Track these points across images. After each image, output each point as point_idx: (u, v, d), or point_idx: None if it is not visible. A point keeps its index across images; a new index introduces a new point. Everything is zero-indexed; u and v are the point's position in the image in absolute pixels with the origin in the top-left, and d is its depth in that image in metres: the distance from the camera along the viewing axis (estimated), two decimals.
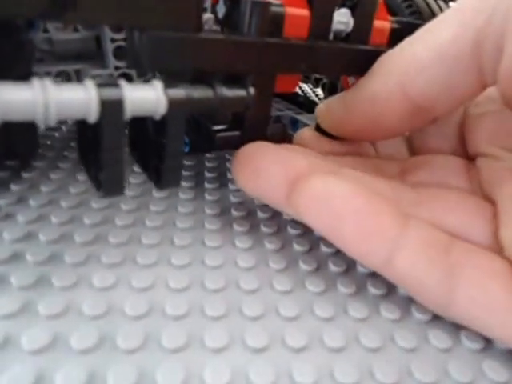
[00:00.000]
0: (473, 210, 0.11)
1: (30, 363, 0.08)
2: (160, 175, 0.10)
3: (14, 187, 0.14)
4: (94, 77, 0.12)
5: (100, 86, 0.08)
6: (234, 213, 0.14)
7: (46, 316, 0.09)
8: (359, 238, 0.10)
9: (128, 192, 0.14)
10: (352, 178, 0.12)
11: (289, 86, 0.12)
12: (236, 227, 0.13)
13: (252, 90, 0.10)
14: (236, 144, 0.12)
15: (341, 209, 0.10)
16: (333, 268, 0.12)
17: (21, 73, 0.09)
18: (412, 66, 0.11)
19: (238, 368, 0.09)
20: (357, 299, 0.11)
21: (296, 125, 0.17)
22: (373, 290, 0.11)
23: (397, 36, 0.12)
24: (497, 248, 0.10)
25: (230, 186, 0.15)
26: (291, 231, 0.13)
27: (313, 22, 0.11)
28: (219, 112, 0.10)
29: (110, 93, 0.08)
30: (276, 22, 0.11)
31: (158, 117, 0.09)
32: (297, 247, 0.12)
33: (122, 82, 0.09)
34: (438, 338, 0.10)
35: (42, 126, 0.08)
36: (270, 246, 0.12)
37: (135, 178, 0.15)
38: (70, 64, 0.13)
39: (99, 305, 0.10)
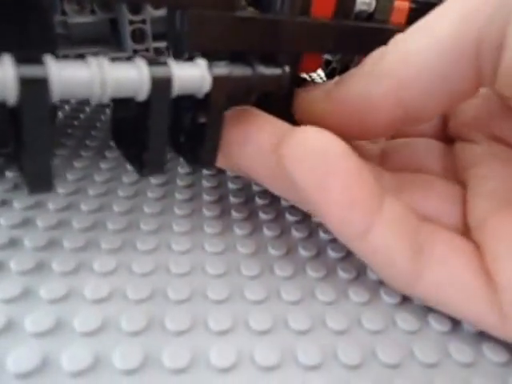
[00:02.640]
0: (447, 195, 0.12)
1: (35, 345, 0.08)
2: (198, 155, 0.10)
3: (8, 174, 0.14)
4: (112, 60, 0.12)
5: (150, 63, 0.08)
6: (233, 199, 0.14)
7: (48, 300, 0.09)
8: (344, 202, 0.10)
9: (124, 179, 0.14)
10: None
11: (312, 65, 0.13)
12: (235, 214, 0.13)
13: (287, 69, 0.10)
14: None
15: (334, 166, 0.10)
16: (332, 254, 0.12)
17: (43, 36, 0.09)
18: (409, 69, 0.10)
19: (243, 349, 0.09)
20: (357, 283, 0.11)
21: None
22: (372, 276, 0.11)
23: (414, 15, 0.12)
24: (465, 230, 0.11)
25: (228, 173, 0.15)
26: (290, 217, 0.13)
27: (338, 2, 0.11)
28: (256, 90, 0.10)
29: (159, 71, 0.08)
30: (306, 1, 0.11)
31: (201, 95, 0.09)
32: (296, 233, 0.13)
33: (170, 60, 0.09)
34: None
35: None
36: (269, 232, 0.12)
37: None
38: (86, 47, 0.13)
39: (101, 289, 0.10)
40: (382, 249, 0.10)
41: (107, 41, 0.13)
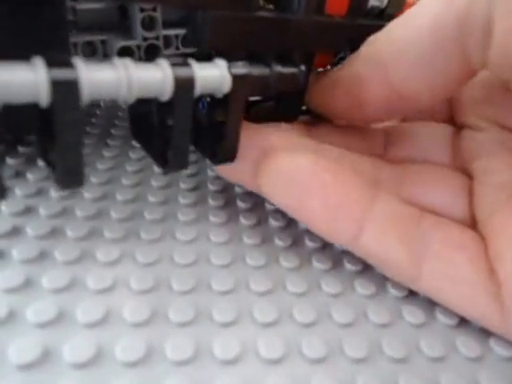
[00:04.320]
0: (452, 187, 0.11)
1: (37, 336, 0.08)
2: (218, 152, 0.10)
3: (10, 161, 0.14)
4: (123, 48, 0.12)
5: (173, 65, 0.08)
6: (238, 189, 0.14)
7: (51, 290, 0.09)
8: (326, 214, 0.10)
9: (128, 167, 0.14)
10: (330, 154, 0.12)
11: (326, 61, 0.13)
12: (240, 204, 0.13)
13: (303, 68, 0.11)
14: (272, 116, 0.12)
15: (308, 183, 0.10)
16: (338, 246, 0.12)
17: (61, 44, 0.09)
18: (392, 51, 0.10)
19: (247, 341, 0.09)
20: (364, 276, 0.11)
21: None
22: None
23: None
24: (472, 222, 0.10)
25: None
26: None
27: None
28: (273, 89, 0.10)
29: (182, 72, 0.08)
30: (320, 0, 0.11)
31: (221, 94, 0.09)
32: (302, 225, 0.12)
33: (191, 61, 0.09)
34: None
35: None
36: (275, 223, 0.12)
37: (135, 152, 0.15)
38: (96, 34, 0.12)
39: (104, 279, 0.10)
40: (376, 250, 0.10)
41: (116, 28, 0.13)
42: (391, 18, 0.12)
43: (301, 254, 0.11)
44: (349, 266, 0.11)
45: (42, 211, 0.11)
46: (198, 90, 0.09)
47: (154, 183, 0.13)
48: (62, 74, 0.07)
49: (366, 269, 0.11)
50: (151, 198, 0.13)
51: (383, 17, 0.12)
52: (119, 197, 0.12)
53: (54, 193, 0.12)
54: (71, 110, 0.07)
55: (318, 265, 0.11)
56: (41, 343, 0.08)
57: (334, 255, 0.11)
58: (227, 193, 0.13)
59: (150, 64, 0.08)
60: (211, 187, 0.13)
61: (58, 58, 0.07)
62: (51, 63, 0.07)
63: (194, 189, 0.13)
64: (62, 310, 0.09)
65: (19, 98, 0.07)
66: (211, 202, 0.13)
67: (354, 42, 0.11)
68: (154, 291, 0.10)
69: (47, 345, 0.08)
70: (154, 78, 0.08)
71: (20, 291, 0.09)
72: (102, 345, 0.08)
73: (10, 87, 0.07)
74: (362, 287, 0.10)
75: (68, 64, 0.07)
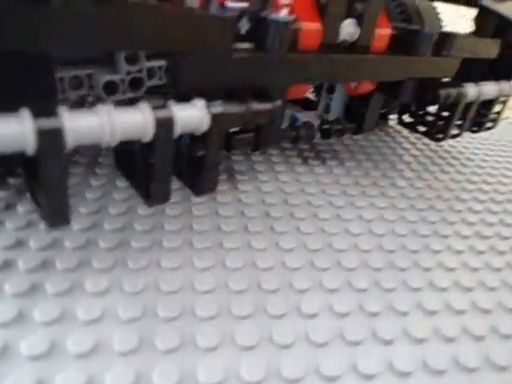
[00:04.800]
0: None
1: (30, 369, 0.09)
2: (198, 183, 0.11)
3: (0, 194, 0.14)
4: (108, 83, 0.13)
5: (154, 108, 0.09)
6: (222, 213, 0.14)
7: (42, 323, 0.10)
8: None
9: (116, 195, 0.15)
10: None
11: (300, 91, 0.14)
12: (224, 227, 0.13)
13: (278, 103, 0.11)
14: (251, 144, 0.13)
15: None
16: (319, 268, 0.12)
17: (46, 87, 0.10)
18: None
19: (229, 366, 0.09)
20: (340, 293, 0.11)
21: (296, 121, 0.17)
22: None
23: (396, 42, 0.13)
24: None
25: (218, 187, 0.15)
26: (278, 229, 0.14)
27: (324, 34, 0.12)
28: (250, 124, 0.11)
29: (162, 114, 0.09)
30: (294, 38, 0.12)
31: (199, 133, 0.10)
32: (283, 246, 0.13)
33: (171, 103, 0.09)
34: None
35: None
36: (257, 245, 0.13)
37: (121, 181, 0.15)
38: (82, 69, 0.13)
39: (93, 310, 0.10)
40: None
41: (101, 62, 0.13)
42: (362, 49, 0.13)
43: (281, 277, 0.12)
44: (329, 285, 0.12)
45: (33, 244, 0.12)
46: (178, 130, 0.09)
47: (141, 211, 0.14)
48: (47, 123, 0.08)
49: (342, 289, 0.12)
50: (138, 226, 0.13)
51: (353, 50, 0.13)
52: (107, 226, 0.13)
53: (43, 225, 0.13)
54: (56, 156, 0.08)
55: (297, 285, 0.11)
56: (34, 376, 0.08)
57: (314, 277, 0.12)
58: (211, 218, 0.14)
59: (132, 108, 0.09)
60: (196, 213, 0.14)
61: (43, 108, 0.08)
62: (37, 114, 0.08)
63: (179, 215, 0.14)
64: (53, 342, 0.09)
65: (6, 148, 0.08)
66: (195, 227, 0.13)
67: (327, 73, 0.12)
68: (141, 320, 0.10)
69: (40, 377, 0.08)
70: (135, 122, 0.09)
71: (13, 325, 0.10)
72: (93, 375, 0.09)
73: None
74: (341, 305, 0.11)
75: (53, 114, 0.08)
